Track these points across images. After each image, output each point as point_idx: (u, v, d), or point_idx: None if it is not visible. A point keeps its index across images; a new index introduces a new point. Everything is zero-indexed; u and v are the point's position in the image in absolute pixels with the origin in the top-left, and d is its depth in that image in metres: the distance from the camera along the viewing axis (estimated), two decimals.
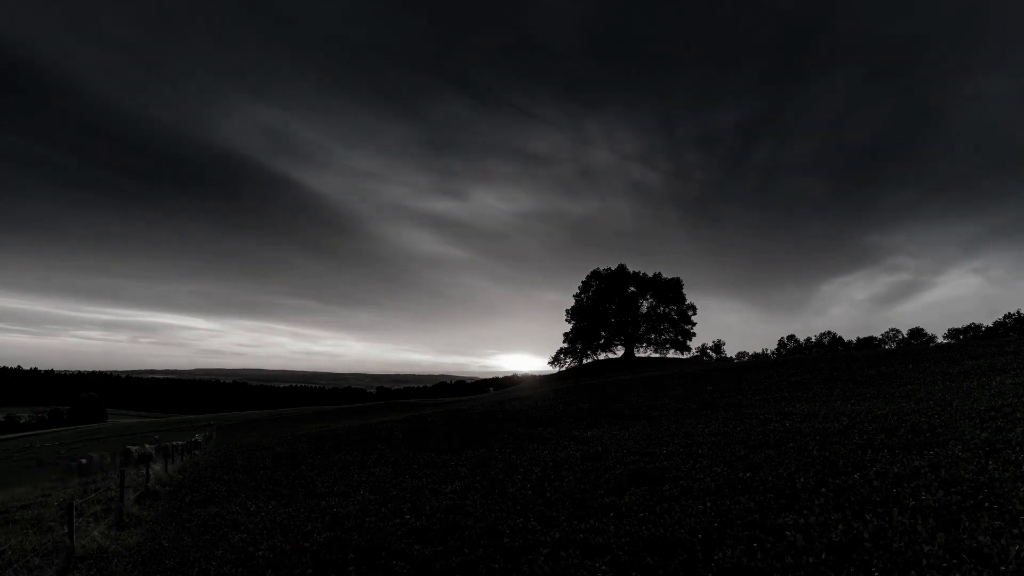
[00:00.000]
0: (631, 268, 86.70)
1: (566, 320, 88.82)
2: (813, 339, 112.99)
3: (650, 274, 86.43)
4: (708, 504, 8.13)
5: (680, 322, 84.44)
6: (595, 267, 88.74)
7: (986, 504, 6.40)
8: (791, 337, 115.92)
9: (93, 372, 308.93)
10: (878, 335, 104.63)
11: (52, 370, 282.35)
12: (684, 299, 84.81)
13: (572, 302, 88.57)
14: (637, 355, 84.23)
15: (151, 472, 18.08)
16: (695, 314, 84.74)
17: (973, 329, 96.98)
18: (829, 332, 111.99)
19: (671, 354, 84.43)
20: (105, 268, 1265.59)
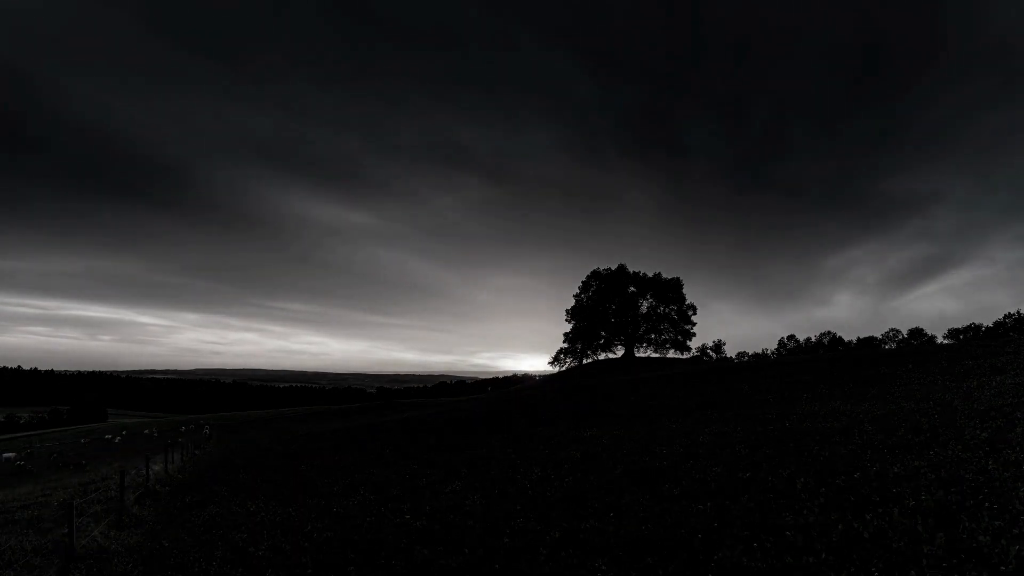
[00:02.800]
0: (630, 268, 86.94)
1: (566, 320, 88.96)
2: (813, 339, 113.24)
3: (650, 274, 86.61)
4: (708, 504, 8.12)
5: (680, 322, 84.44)
6: (590, 266, 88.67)
7: (986, 504, 6.40)
8: (791, 337, 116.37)
9: (93, 372, 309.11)
10: (878, 335, 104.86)
11: (52, 370, 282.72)
12: (684, 299, 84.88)
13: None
14: (637, 355, 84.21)
15: (151, 472, 18.09)
16: (695, 314, 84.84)
17: (973, 329, 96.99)
18: (829, 332, 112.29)
19: (671, 354, 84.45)
20: None
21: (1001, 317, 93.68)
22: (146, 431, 63.77)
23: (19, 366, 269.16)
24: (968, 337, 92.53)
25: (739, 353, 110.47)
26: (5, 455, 45.44)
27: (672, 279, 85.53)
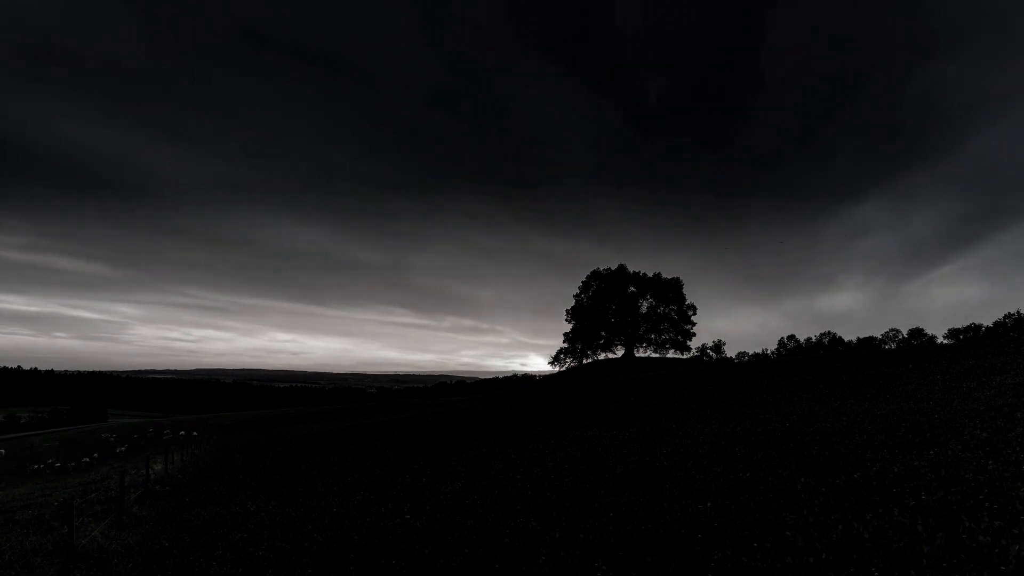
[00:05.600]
0: (630, 268, 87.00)
1: (566, 320, 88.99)
2: (813, 338, 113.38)
3: (650, 274, 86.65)
4: (708, 504, 8.12)
5: (680, 322, 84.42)
6: (589, 265, 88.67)
7: (986, 504, 6.40)
8: (791, 337, 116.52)
9: (93, 372, 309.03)
10: (878, 334, 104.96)
11: (52, 370, 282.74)
12: (684, 299, 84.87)
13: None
14: (637, 355, 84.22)
15: (151, 472, 18.09)
16: (695, 314, 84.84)
17: (973, 329, 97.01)
18: (829, 332, 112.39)
19: (671, 354, 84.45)
20: None
21: (1001, 317, 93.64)
22: (146, 431, 63.72)
23: (19, 366, 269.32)
24: (968, 337, 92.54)
25: (739, 353, 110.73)
26: None
27: (672, 279, 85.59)
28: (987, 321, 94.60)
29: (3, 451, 47.19)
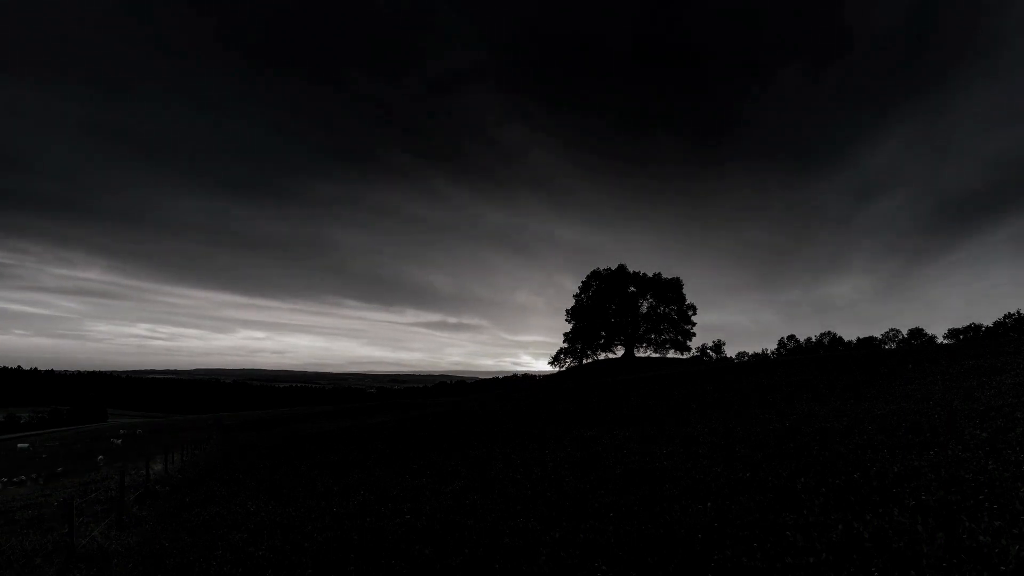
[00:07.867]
0: (630, 268, 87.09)
1: (566, 320, 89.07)
2: (813, 339, 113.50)
3: (650, 274, 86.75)
4: (708, 504, 8.12)
5: (680, 322, 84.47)
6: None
7: (986, 504, 6.39)
8: (791, 337, 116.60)
9: (93, 372, 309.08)
10: (878, 335, 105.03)
11: (52, 370, 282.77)
12: (684, 299, 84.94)
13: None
14: (637, 355, 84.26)
15: (151, 472, 18.10)
16: (695, 314, 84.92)
17: (973, 329, 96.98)
18: (829, 332, 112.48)
19: (671, 354, 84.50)
20: None
21: (1001, 317, 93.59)
22: (144, 431, 63.72)
23: (19, 366, 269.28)
24: (968, 337, 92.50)
25: (739, 353, 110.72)
26: (19, 445, 45.76)
27: (672, 279, 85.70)
28: (998, 319, 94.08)
29: (27, 445, 47.26)
